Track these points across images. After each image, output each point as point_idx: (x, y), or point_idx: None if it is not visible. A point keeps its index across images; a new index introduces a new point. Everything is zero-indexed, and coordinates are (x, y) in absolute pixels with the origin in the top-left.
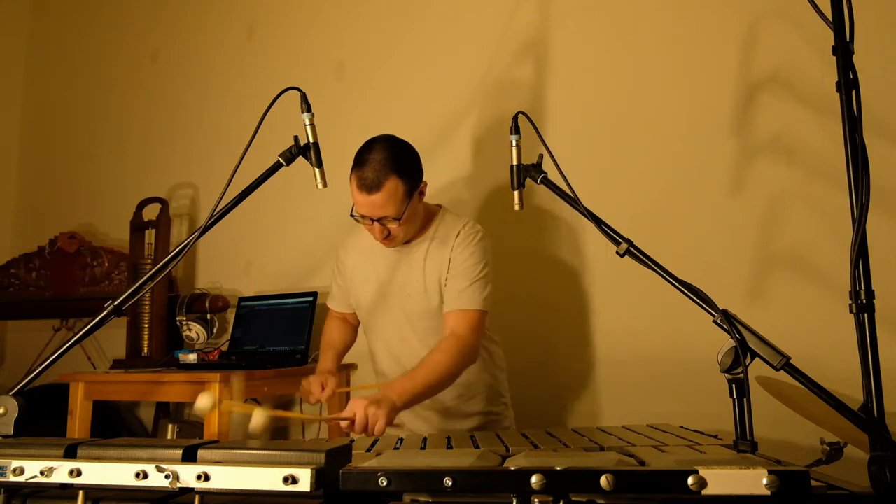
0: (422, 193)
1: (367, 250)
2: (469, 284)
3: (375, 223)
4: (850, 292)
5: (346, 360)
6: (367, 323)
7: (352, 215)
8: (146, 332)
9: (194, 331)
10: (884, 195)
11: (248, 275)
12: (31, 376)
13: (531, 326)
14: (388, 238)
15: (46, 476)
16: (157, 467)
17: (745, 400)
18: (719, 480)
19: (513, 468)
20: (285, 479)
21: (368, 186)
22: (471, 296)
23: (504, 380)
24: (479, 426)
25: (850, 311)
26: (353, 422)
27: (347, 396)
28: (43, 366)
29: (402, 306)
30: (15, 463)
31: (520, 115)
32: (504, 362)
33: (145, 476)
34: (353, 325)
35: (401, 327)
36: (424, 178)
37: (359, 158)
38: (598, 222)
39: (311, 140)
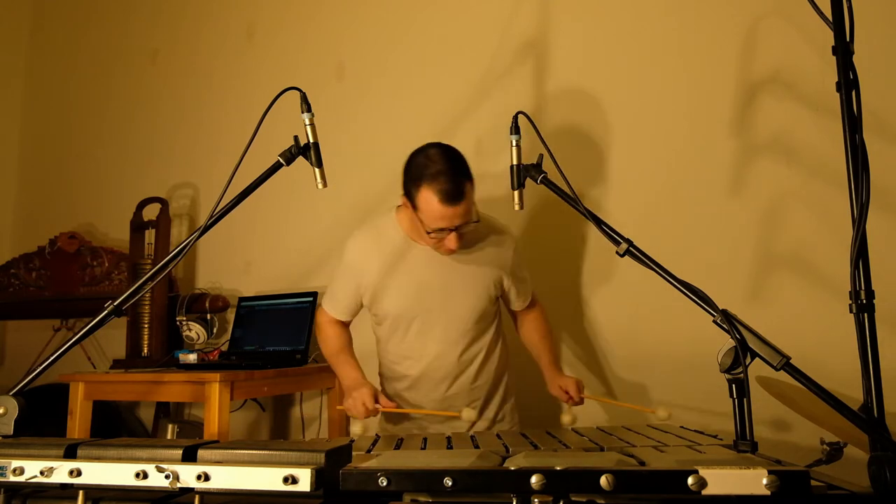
0: None
1: (395, 254)
2: (528, 278)
3: (452, 233)
4: (850, 292)
5: None
6: (393, 328)
7: (428, 233)
8: (146, 332)
9: (194, 331)
10: (884, 195)
11: (248, 275)
12: (31, 376)
13: None
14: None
15: (46, 476)
16: (157, 467)
17: (745, 400)
18: (719, 480)
19: (513, 468)
20: (285, 479)
21: (453, 197)
22: (531, 285)
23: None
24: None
25: (850, 311)
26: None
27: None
28: (43, 366)
29: (443, 308)
30: (15, 463)
31: (520, 115)
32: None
33: (145, 476)
34: (348, 330)
35: (437, 330)
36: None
37: (428, 172)
38: (599, 222)
39: (311, 140)
